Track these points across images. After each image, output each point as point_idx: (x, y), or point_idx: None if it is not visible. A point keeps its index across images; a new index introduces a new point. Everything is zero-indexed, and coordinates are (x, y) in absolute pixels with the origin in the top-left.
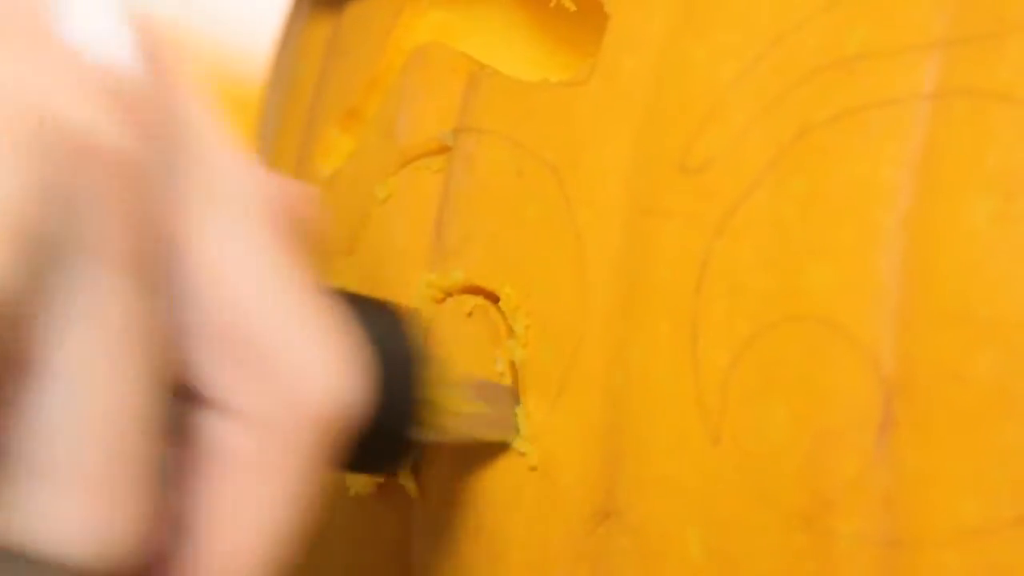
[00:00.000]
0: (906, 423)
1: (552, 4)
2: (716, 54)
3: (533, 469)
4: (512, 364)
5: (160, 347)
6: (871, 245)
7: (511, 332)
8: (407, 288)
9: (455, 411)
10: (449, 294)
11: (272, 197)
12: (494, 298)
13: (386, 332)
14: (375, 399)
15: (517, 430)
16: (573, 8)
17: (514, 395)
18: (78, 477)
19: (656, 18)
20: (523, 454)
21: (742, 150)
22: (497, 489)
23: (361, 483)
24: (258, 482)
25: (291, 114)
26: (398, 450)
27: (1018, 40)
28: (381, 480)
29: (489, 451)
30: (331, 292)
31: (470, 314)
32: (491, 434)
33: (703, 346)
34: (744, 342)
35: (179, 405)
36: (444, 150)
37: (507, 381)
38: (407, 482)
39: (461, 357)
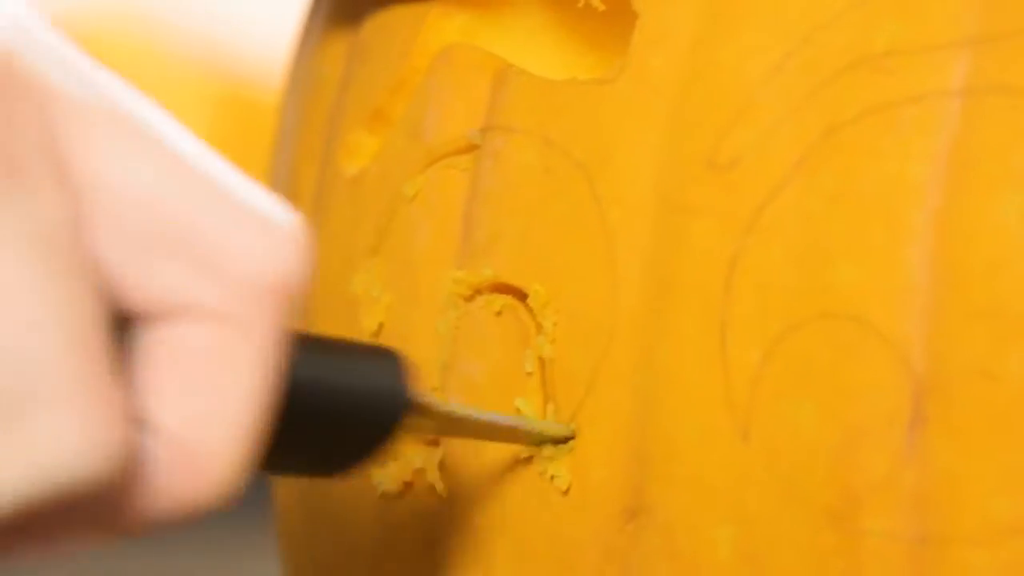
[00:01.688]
0: (936, 420)
1: (581, 4)
2: (745, 52)
3: (565, 493)
4: (541, 362)
5: (84, 266)
6: (900, 242)
7: (540, 330)
8: (435, 286)
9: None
10: (478, 292)
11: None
12: (522, 296)
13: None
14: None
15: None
16: (602, 7)
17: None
18: (53, 395)
19: (685, 17)
20: (554, 477)
21: (771, 147)
22: (525, 487)
23: (389, 481)
24: (228, 371)
25: (313, 116)
26: (335, 467)
27: None
28: (408, 478)
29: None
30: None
31: (499, 312)
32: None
33: (732, 344)
34: (773, 340)
35: (123, 331)
36: (472, 148)
37: (536, 379)
38: (435, 480)
39: (490, 355)
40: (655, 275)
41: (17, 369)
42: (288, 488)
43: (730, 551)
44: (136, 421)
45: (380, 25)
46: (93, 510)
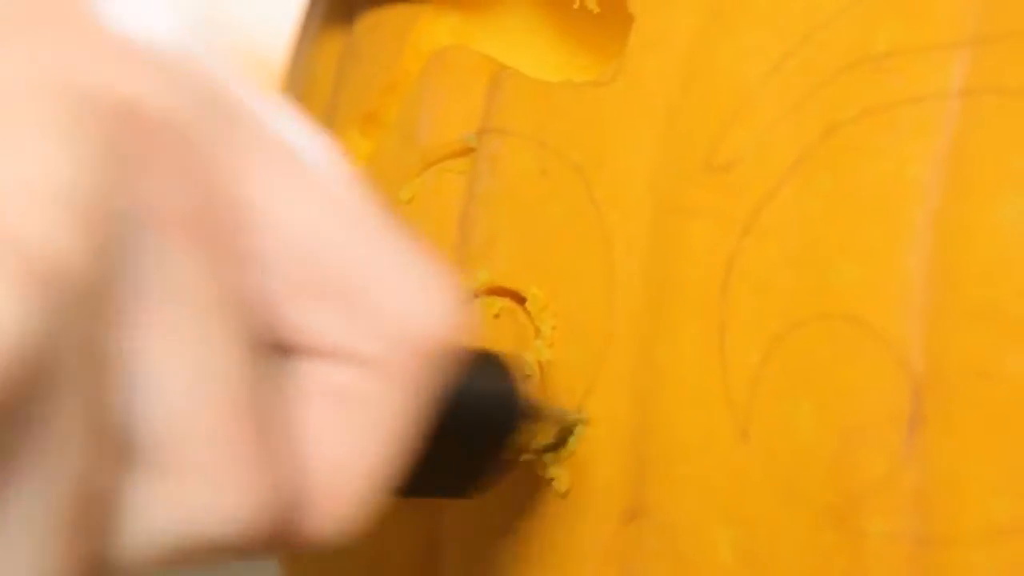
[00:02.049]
0: (935, 421)
1: (576, 6)
2: (743, 53)
3: (564, 495)
4: (540, 365)
5: (242, 310)
6: (899, 243)
7: (538, 333)
8: None
9: (534, 448)
10: (475, 295)
11: (339, 161)
12: (520, 299)
13: (493, 377)
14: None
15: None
16: (597, 10)
17: (576, 422)
18: (200, 459)
19: (682, 18)
20: (553, 479)
21: (769, 148)
22: (525, 488)
23: None
24: (368, 416)
25: (308, 118)
26: (494, 471)
27: None
28: None
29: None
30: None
31: (497, 315)
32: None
33: (731, 345)
34: (772, 340)
35: (275, 361)
36: (467, 151)
37: (535, 382)
38: None
39: None
40: (653, 277)
41: (163, 432)
42: None
43: (730, 552)
44: (290, 463)
45: (371, 25)
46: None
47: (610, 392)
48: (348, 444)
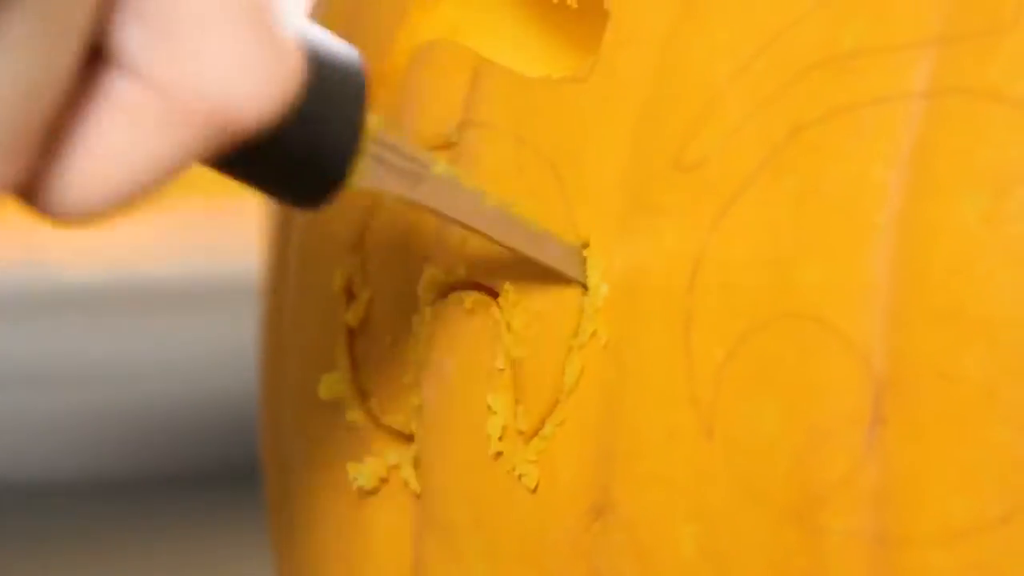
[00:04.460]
0: (895, 421)
1: (555, 0)
2: (714, 52)
3: (533, 491)
4: (511, 361)
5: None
6: (862, 243)
7: (510, 329)
8: (413, 282)
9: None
10: (452, 289)
11: None
12: (495, 294)
13: (340, 63)
14: (311, 113)
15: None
16: (575, 5)
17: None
18: None
19: (655, 15)
20: (522, 476)
21: (736, 148)
22: (496, 484)
23: (364, 477)
24: (129, 133)
25: None
26: (320, 181)
27: (1010, 40)
28: (384, 475)
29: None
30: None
31: (470, 309)
32: (416, 195)
33: (696, 343)
34: (737, 339)
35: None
36: (450, 145)
37: (507, 377)
38: (409, 477)
39: (462, 351)
40: (622, 275)
41: None
42: (274, 485)
43: (694, 549)
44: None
45: (361, 19)
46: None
47: (580, 389)
48: (107, 151)
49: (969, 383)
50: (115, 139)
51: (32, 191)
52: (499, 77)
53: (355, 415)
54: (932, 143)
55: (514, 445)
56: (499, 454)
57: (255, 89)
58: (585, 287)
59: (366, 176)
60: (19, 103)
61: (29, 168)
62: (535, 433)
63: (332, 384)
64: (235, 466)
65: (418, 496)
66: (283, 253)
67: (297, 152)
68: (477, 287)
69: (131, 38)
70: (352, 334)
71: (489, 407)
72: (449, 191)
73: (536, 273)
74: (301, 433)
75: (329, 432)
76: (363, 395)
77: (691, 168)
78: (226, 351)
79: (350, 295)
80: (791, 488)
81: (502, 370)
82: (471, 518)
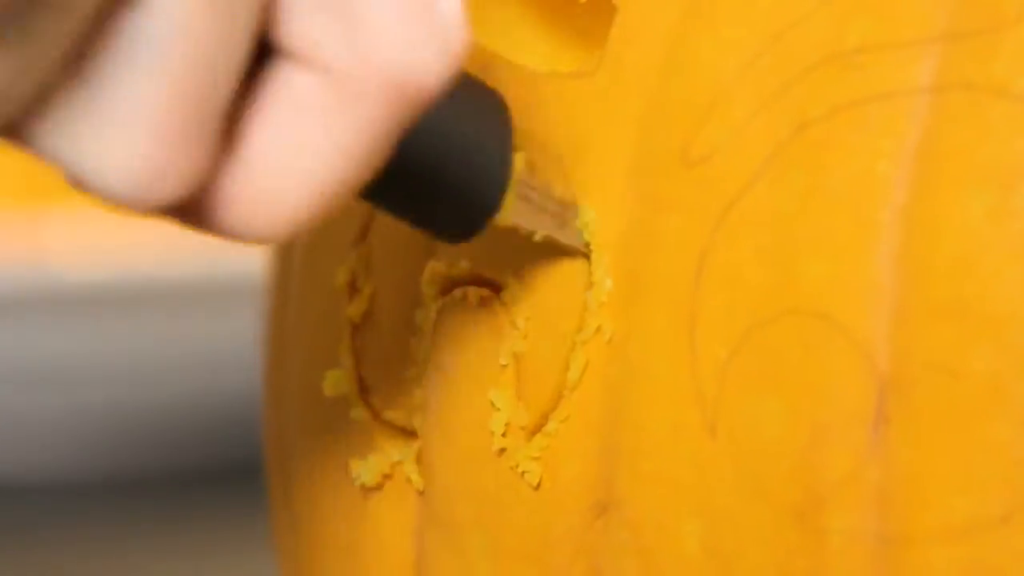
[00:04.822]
0: (899, 419)
1: None
2: (720, 48)
3: (536, 488)
4: (515, 356)
5: None
6: (867, 240)
7: (513, 324)
8: (416, 277)
9: (531, 203)
10: (455, 284)
11: None
12: (498, 289)
13: (486, 102)
14: (464, 150)
15: (584, 242)
16: (583, 0)
17: (575, 207)
18: (144, 117)
19: (662, 11)
20: (525, 472)
21: (742, 144)
22: (499, 481)
23: (367, 474)
24: (313, 126)
25: None
26: (472, 214)
27: (1015, 35)
28: (387, 471)
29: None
30: None
31: (475, 304)
32: (560, 236)
33: (701, 339)
34: (742, 335)
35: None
36: None
37: (510, 373)
38: (412, 473)
39: (466, 347)
40: (627, 270)
41: (127, 72)
42: (277, 483)
43: (697, 546)
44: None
45: None
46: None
47: (583, 386)
48: (291, 149)
49: (973, 381)
50: (301, 135)
51: (213, 201)
52: (506, 73)
53: (358, 412)
54: (937, 139)
55: (517, 441)
56: (502, 450)
57: (429, 55)
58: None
59: (514, 212)
60: (195, 76)
61: (207, 166)
62: (538, 429)
63: (336, 381)
64: (236, 465)
65: (421, 493)
66: (287, 250)
67: (453, 182)
68: (480, 283)
69: (306, 24)
70: (355, 329)
71: (492, 403)
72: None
73: (540, 261)
74: (304, 430)
75: (332, 429)
76: (366, 391)
77: (697, 164)
78: (226, 351)
79: (353, 290)
80: (794, 486)
81: (505, 366)
82: (474, 515)
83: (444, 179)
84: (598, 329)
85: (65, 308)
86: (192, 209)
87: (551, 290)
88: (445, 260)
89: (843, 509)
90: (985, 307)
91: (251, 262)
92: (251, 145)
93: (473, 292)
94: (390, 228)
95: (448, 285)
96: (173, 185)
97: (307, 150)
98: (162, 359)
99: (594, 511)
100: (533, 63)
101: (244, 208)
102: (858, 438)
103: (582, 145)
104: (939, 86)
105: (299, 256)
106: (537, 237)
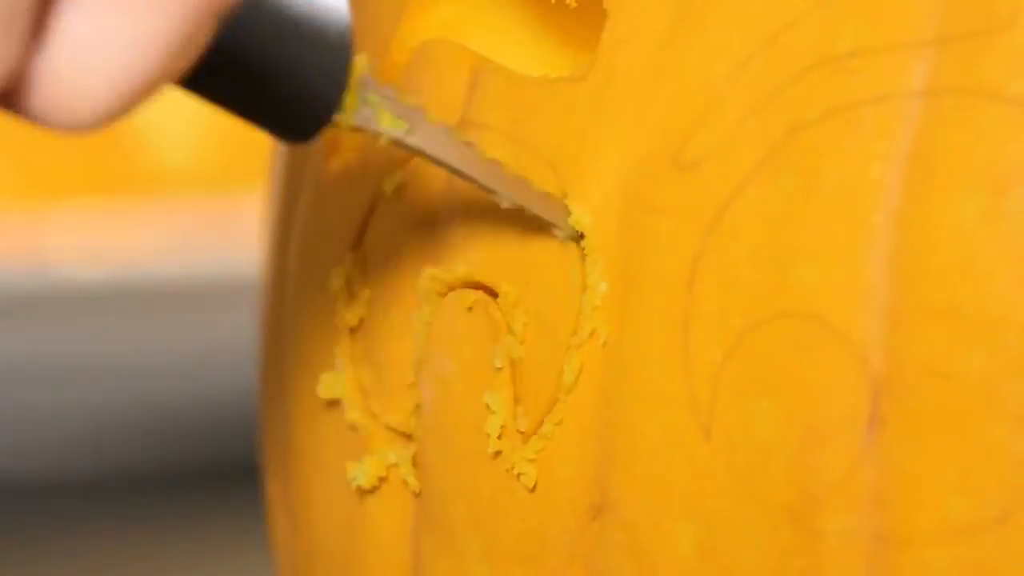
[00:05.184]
0: (894, 421)
1: (553, 0)
2: (711, 51)
3: (532, 491)
4: (511, 361)
5: None
6: (860, 242)
7: (510, 329)
8: (412, 282)
9: (371, 111)
10: (452, 288)
11: None
12: (494, 293)
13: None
14: (297, 42)
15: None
16: (574, 5)
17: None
18: None
19: (653, 15)
20: (520, 475)
21: (735, 147)
22: (494, 483)
23: (363, 476)
24: (117, 13)
25: None
26: (307, 112)
27: (1007, 39)
28: (382, 474)
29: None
30: None
31: (470, 308)
32: (413, 139)
33: (695, 342)
34: (735, 338)
35: None
36: None
37: (506, 376)
38: (408, 476)
39: (461, 350)
40: (621, 273)
41: None
42: (274, 483)
43: (691, 549)
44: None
45: (361, 18)
46: None
47: (579, 389)
48: (96, 37)
49: (967, 382)
50: (106, 22)
51: (25, 89)
52: (497, 78)
53: (354, 414)
54: (930, 142)
55: (513, 444)
56: (498, 453)
57: None
58: (575, 238)
59: (355, 115)
60: None
61: (17, 56)
62: (534, 432)
63: (331, 383)
64: (235, 465)
65: (417, 495)
66: (283, 252)
67: (284, 81)
68: (476, 286)
69: None
70: (351, 332)
71: (488, 406)
72: (441, 140)
73: (535, 264)
74: (300, 432)
75: (328, 431)
76: (362, 394)
77: (689, 167)
78: (226, 351)
79: (350, 294)
80: (789, 488)
81: (500, 369)
82: (470, 517)
83: (269, 72)
84: (593, 332)
85: (65, 308)
86: (6, 98)
87: (546, 294)
88: (443, 265)
89: (838, 510)
90: (978, 309)
91: (251, 262)
92: (57, 32)
93: (469, 296)
94: (386, 232)
95: (444, 289)
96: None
97: (113, 37)
98: (162, 359)
99: (589, 513)
100: (525, 67)
101: (50, 94)
102: (853, 440)
103: (574, 149)
104: (932, 89)
105: (295, 259)
106: (505, 204)
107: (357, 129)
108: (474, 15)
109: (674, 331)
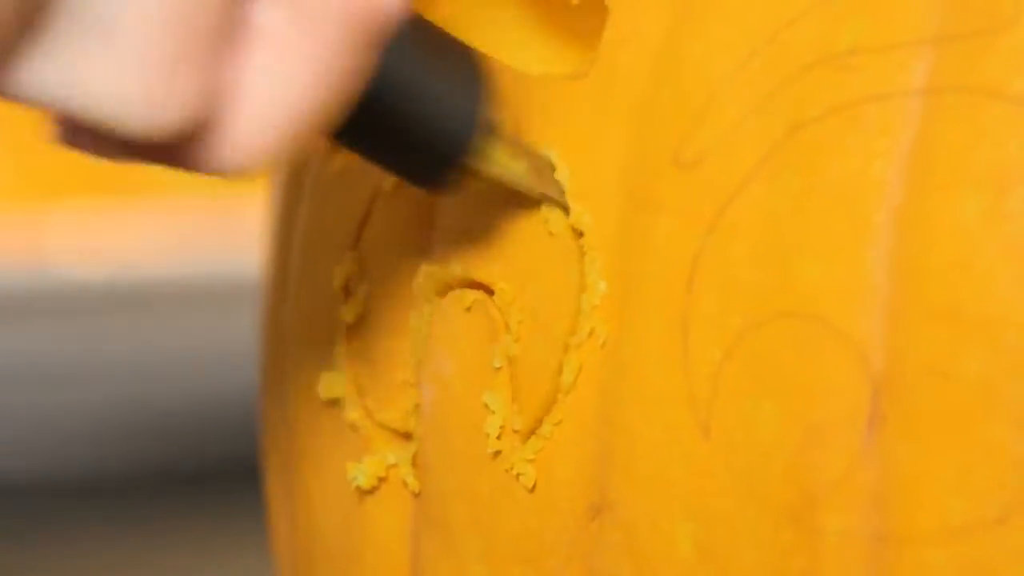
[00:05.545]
0: (894, 420)
1: None
2: (712, 50)
3: (531, 490)
4: (508, 359)
5: None
6: (861, 241)
7: (507, 327)
8: (411, 280)
9: (506, 157)
10: (449, 287)
11: None
12: (492, 292)
13: (460, 55)
14: (433, 102)
15: (561, 190)
16: (575, 2)
17: (551, 163)
18: (141, 45)
19: (655, 13)
20: (520, 475)
21: (735, 145)
22: (494, 483)
23: (363, 477)
24: (284, 56)
25: None
26: (445, 162)
27: (1009, 37)
28: (382, 474)
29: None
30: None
31: (469, 308)
32: (539, 186)
33: (694, 341)
34: (735, 337)
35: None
36: None
37: (505, 376)
38: (408, 476)
39: (460, 350)
40: (620, 272)
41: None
42: (274, 484)
43: (691, 548)
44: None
45: None
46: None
47: (576, 388)
48: (269, 85)
49: (967, 382)
50: (274, 66)
51: (210, 134)
52: (500, 76)
53: (354, 414)
54: (931, 141)
55: (512, 444)
56: (497, 453)
57: None
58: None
59: (495, 163)
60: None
61: (203, 95)
62: (533, 432)
63: (332, 383)
64: (235, 465)
65: (416, 495)
66: (284, 252)
67: (420, 125)
68: (474, 286)
69: None
70: (350, 332)
71: (487, 406)
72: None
73: (533, 263)
74: (301, 432)
75: (328, 431)
76: (358, 391)
77: (690, 166)
78: (226, 351)
79: (348, 293)
80: (788, 487)
81: (499, 369)
82: (469, 517)
83: (411, 121)
84: (591, 332)
85: (65, 308)
86: (187, 145)
87: (545, 293)
88: (440, 263)
89: (838, 510)
90: (979, 309)
91: (251, 262)
92: (253, 71)
93: (468, 296)
94: (384, 230)
95: (442, 288)
96: (175, 112)
97: (277, 86)
98: (162, 359)
99: (588, 513)
100: (526, 65)
101: (243, 142)
102: (852, 439)
103: (575, 147)
104: (933, 88)
105: (296, 259)
106: (514, 187)
107: (492, 178)
108: (474, 13)
109: (673, 330)
